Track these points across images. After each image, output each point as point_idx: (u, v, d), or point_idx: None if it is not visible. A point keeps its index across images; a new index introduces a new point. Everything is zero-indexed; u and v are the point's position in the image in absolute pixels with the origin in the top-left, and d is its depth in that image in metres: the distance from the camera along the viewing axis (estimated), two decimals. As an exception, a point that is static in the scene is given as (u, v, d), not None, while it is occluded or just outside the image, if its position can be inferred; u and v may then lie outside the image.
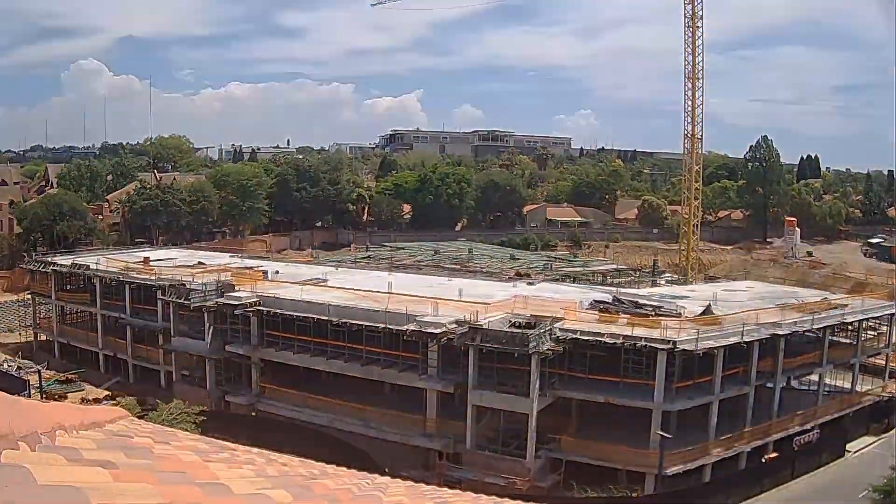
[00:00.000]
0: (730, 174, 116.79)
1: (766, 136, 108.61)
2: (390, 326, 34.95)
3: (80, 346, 50.59)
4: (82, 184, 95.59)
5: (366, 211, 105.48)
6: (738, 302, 41.19)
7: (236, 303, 38.83)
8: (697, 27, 73.62)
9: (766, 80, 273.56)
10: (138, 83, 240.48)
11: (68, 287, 53.38)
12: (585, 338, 33.18)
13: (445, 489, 5.25)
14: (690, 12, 73.45)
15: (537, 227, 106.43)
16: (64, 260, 53.40)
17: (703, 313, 36.99)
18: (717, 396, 33.79)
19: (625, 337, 32.84)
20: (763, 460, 35.36)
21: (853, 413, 40.35)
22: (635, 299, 40.59)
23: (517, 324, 33.95)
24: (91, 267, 49.88)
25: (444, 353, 34.45)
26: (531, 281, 54.39)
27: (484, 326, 32.75)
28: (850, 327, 41.98)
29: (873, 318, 43.14)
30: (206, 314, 39.89)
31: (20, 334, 56.95)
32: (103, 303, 48.51)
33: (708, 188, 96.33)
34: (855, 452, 37.97)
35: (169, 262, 50.96)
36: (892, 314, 43.15)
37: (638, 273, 75.97)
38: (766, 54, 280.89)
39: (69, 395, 43.87)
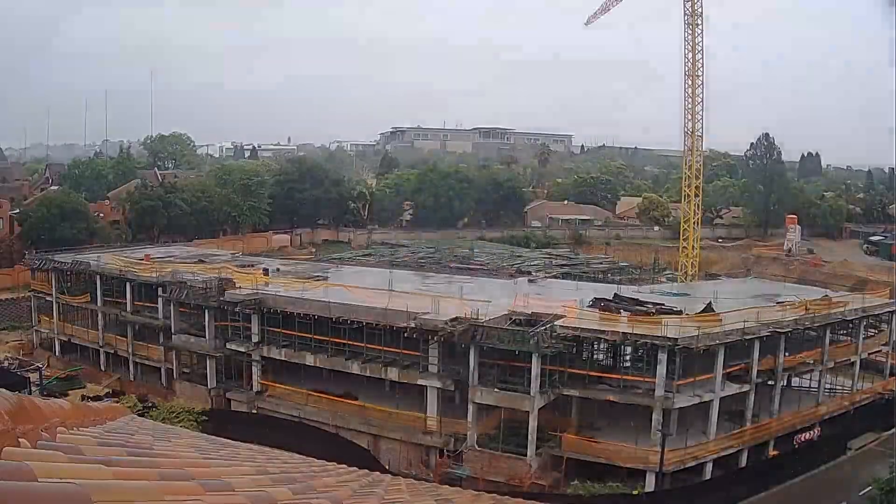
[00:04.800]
0: (731, 172, 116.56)
1: (767, 134, 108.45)
2: (391, 324, 34.97)
3: (81, 344, 50.65)
4: (83, 182, 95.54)
5: (367, 208, 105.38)
6: (738, 299, 41.15)
7: (237, 300, 38.84)
8: (697, 24, 73.40)
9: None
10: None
11: (69, 285, 53.38)
12: (586, 335, 33.19)
13: (446, 487, 5.25)
14: (690, 10, 73.26)
15: (538, 225, 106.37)
16: (65, 257, 53.38)
17: (704, 311, 36.97)
18: (718, 394, 33.75)
19: (625, 334, 32.84)
20: (764, 458, 35.36)
21: (854, 411, 40.35)
22: (636, 297, 40.59)
23: (518, 321, 33.92)
24: (92, 264, 49.90)
25: (444, 351, 34.45)
26: (532, 278, 54.47)
27: (485, 324, 32.76)
28: (850, 325, 41.95)
29: (874, 315, 43.13)
30: (206, 311, 39.93)
31: (21, 332, 56.98)
32: (104, 300, 48.54)
33: (709, 185, 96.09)
34: (856, 450, 37.94)
35: (170, 259, 51.00)
36: (893, 312, 43.12)
37: (639, 270, 75.95)
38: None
39: (70, 392, 43.86)
